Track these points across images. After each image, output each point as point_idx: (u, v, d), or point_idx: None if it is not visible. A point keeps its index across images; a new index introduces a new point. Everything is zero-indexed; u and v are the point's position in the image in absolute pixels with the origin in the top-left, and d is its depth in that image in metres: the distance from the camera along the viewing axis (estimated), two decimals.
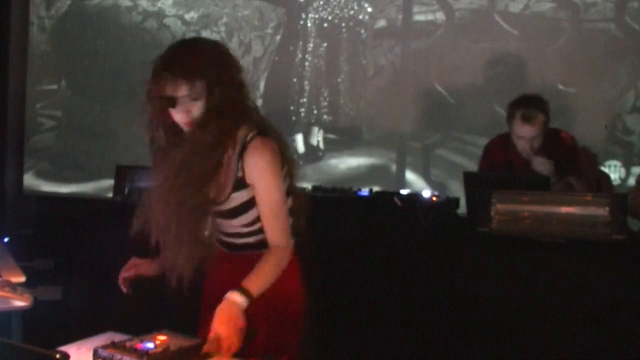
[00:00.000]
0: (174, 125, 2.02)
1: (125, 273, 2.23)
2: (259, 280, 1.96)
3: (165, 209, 1.94)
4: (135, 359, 1.65)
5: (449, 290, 2.85)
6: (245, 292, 1.91)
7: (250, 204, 2.02)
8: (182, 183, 1.92)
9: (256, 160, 1.96)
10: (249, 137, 1.98)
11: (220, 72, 1.96)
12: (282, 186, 2.01)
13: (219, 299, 1.94)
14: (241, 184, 1.99)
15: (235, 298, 1.89)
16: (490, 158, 3.68)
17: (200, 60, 1.98)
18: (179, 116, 1.98)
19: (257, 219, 2.05)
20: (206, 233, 2.04)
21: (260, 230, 2.05)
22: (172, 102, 1.96)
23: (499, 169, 3.60)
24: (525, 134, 3.43)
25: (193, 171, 1.91)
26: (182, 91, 1.94)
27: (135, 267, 2.23)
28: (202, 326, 2.09)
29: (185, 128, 1.99)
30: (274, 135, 2.03)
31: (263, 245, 2.05)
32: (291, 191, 2.10)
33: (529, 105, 3.42)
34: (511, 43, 4.78)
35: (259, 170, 1.96)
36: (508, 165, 3.56)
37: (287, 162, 2.06)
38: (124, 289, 2.23)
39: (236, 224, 2.07)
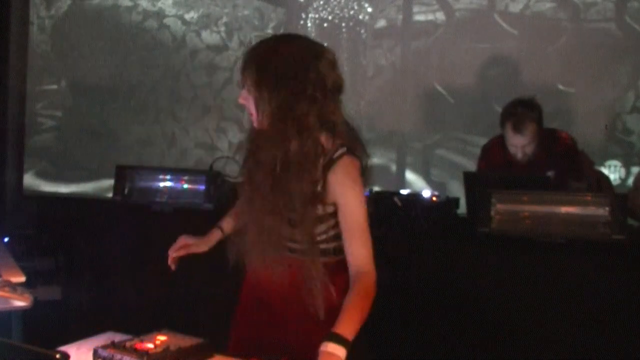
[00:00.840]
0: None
1: (175, 252, 2.22)
2: (352, 320, 1.79)
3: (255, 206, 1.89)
4: (135, 359, 1.65)
5: (449, 290, 2.85)
6: (340, 340, 1.71)
7: (322, 219, 1.90)
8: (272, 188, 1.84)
9: (344, 179, 1.85)
10: (337, 153, 1.87)
11: (291, 79, 1.82)
12: (364, 203, 1.87)
13: (260, 298, 1.98)
14: (319, 198, 1.86)
15: (332, 350, 1.70)
16: (488, 159, 3.68)
17: (250, 59, 1.86)
18: (242, 101, 1.91)
19: (322, 234, 1.92)
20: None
21: (320, 242, 1.91)
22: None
23: (496, 169, 3.59)
24: (516, 143, 3.43)
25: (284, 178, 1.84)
26: (247, 93, 1.88)
27: (185, 247, 2.23)
28: (233, 326, 2.12)
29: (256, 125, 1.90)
30: (361, 153, 1.94)
31: (317, 253, 1.91)
32: None
33: (519, 114, 3.40)
34: (511, 43, 4.78)
35: (347, 189, 1.85)
36: (507, 165, 3.56)
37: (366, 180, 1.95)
38: (173, 267, 2.23)
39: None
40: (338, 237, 1.92)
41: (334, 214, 1.89)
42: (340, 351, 1.70)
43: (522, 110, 3.41)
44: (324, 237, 1.92)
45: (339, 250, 1.93)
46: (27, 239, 3.69)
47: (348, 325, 1.75)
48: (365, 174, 1.93)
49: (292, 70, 1.82)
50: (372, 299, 1.85)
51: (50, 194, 5.79)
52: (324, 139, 1.89)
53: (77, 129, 5.93)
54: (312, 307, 1.88)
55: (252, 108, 1.87)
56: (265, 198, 1.86)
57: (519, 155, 3.46)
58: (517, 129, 3.39)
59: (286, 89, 1.81)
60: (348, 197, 1.85)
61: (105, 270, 3.53)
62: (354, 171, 1.87)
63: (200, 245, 2.23)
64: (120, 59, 5.95)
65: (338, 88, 1.95)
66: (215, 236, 2.25)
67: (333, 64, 1.92)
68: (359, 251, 1.88)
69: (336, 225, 1.90)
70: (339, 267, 1.93)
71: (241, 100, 1.89)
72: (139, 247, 3.34)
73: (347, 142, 1.92)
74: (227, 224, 2.25)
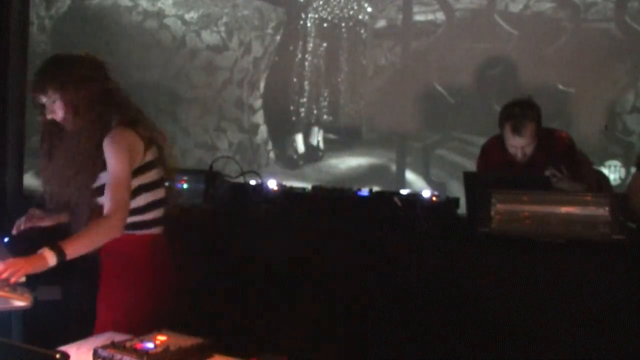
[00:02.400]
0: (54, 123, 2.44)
1: (24, 225, 2.58)
2: (78, 243, 2.24)
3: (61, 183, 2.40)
4: (135, 359, 1.65)
5: (449, 290, 2.85)
6: (57, 249, 2.16)
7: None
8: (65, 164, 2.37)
9: (107, 145, 2.34)
10: (113, 127, 2.39)
11: (68, 79, 2.37)
12: (125, 165, 2.32)
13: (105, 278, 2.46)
14: (104, 166, 2.35)
15: (46, 255, 2.15)
16: (488, 159, 3.68)
17: (48, 74, 2.40)
18: (51, 116, 2.41)
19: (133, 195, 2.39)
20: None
21: (131, 213, 2.36)
22: (43, 107, 2.41)
23: (495, 169, 3.59)
24: (515, 144, 3.44)
25: (71, 155, 2.37)
26: (42, 99, 2.40)
27: (32, 219, 2.58)
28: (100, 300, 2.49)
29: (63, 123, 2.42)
30: (138, 126, 2.42)
31: (133, 227, 2.41)
32: (157, 165, 2.47)
33: (518, 115, 3.40)
34: (511, 43, 4.78)
35: (107, 153, 2.33)
36: (506, 165, 3.56)
37: (152, 144, 2.45)
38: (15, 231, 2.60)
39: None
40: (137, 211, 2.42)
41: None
42: (49, 256, 2.15)
43: (521, 111, 3.41)
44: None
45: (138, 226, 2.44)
46: (27, 239, 3.68)
47: (72, 242, 2.22)
48: (149, 140, 2.44)
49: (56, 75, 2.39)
50: (107, 237, 2.30)
51: None
52: (108, 121, 2.41)
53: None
54: None
55: (55, 115, 2.40)
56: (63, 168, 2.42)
57: (519, 155, 3.47)
58: (516, 130, 3.39)
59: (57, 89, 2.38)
60: (108, 157, 2.33)
61: None
62: (117, 137, 2.35)
63: (45, 220, 2.59)
64: (120, 59, 5.95)
65: (99, 80, 2.47)
66: (62, 217, 2.60)
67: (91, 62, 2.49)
68: (108, 198, 2.30)
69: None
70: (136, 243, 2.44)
71: (56, 117, 2.40)
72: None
73: (128, 118, 2.43)
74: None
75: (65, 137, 2.43)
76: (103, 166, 2.36)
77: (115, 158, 2.33)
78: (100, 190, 2.37)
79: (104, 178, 2.36)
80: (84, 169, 2.37)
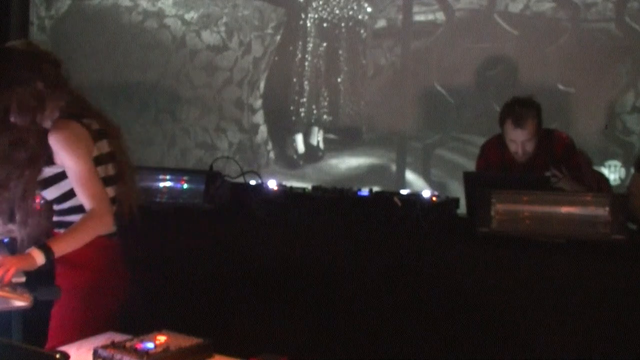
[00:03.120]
0: None
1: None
2: (66, 240, 2.21)
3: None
4: (135, 359, 1.65)
5: (448, 290, 2.85)
6: (47, 250, 2.16)
7: (59, 177, 2.29)
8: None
9: (56, 142, 2.24)
10: (54, 121, 2.29)
11: (15, 72, 2.26)
12: (85, 156, 2.24)
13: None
14: (50, 160, 2.28)
15: (34, 254, 2.14)
16: (486, 158, 3.68)
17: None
18: None
19: (64, 198, 2.31)
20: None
21: (69, 212, 2.30)
22: None
23: (495, 169, 3.60)
24: (516, 137, 3.44)
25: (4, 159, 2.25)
26: None
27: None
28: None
29: None
30: (86, 115, 2.34)
31: (67, 226, 2.29)
32: (109, 159, 2.36)
33: (519, 109, 3.42)
34: (511, 43, 4.79)
35: (60, 149, 2.24)
36: (504, 165, 3.56)
37: (102, 137, 2.34)
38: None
39: (50, 197, 2.33)
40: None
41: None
42: (37, 255, 2.14)
43: (522, 106, 3.44)
44: (68, 204, 2.34)
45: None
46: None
47: (59, 240, 2.21)
48: (97, 132, 2.33)
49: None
50: (96, 233, 2.24)
51: None
52: (48, 113, 2.31)
53: None
54: None
55: None
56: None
57: (519, 152, 3.46)
58: (517, 124, 3.40)
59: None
60: (64, 153, 2.25)
61: None
62: (65, 130, 2.26)
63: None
64: (120, 59, 5.95)
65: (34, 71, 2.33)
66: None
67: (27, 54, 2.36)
68: (82, 195, 2.25)
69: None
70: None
71: None
72: (139, 247, 3.34)
73: (71, 110, 2.33)
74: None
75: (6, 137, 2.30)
76: (45, 162, 2.27)
77: (71, 153, 2.24)
78: (45, 184, 2.29)
79: (48, 172, 2.29)
80: (20, 174, 2.26)
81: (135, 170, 2.54)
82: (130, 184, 2.46)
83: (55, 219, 2.35)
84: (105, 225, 2.26)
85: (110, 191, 2.35)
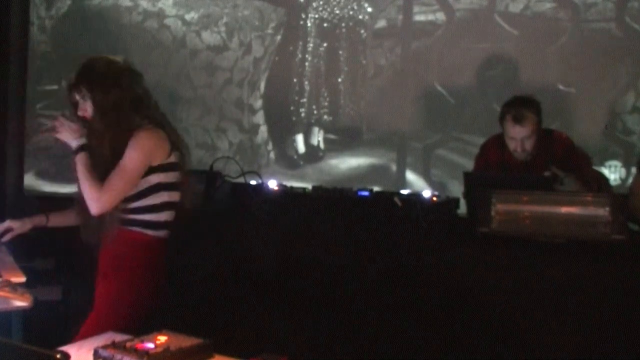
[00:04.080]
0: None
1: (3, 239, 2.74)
2: (83, 171, 2.49)
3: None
4: (136, 359, 1.65)
5: (448, 290, 2.85)
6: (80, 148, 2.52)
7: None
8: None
9: (131, 140, 2.46)
10: (143, 126, 2.51)
11: (100, 79, 2.51)
12: (139, 157, 2.45)
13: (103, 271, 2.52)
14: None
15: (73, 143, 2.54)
16: (486, 157, 3.69)
17: (83, 73, 2.55)
18: (82, 113, 2.56)
19: (138, 196, 2.50)
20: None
21: (142, 211, 2.50)
22: (76, 105, 2.57)
23: (494, 169, 3.60)
24: (516, 134, 3.44)
25: (94, 154, 2.50)
26: (75, 97, 2.56)
27: (11, 231, 2.76)
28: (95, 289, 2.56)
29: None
30: (163, 128, 2.55)
31: (145, 225, 2.51)
32: (178, 168, 2.57)
33: (519, 106, 3.43)
34: (511, 43, 4.78)
35: (128, 146, 2.46)
36: (503, 165, 3.57)
37: (176, 147, 2.57)
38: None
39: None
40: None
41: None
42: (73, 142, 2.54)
43: (522, 103, 3.44)
44: (138, 203, 2.53)
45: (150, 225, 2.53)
46: (27, 239, 3.68)
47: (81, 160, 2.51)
48: (172, 144, 2.55)
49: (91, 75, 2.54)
50: (90, 189, 2.46)
51: (50, 194, 5.79)
52: (134, 123, 2.53)
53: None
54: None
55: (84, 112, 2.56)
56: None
57: (519, 149, 3.46)
58: (517, 120, 3.40)
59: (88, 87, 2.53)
60: (127, 151, 2.46)
61: None
62: (140, 137, 2.47)
63: (24, 225, 2.77)
64: None
65: (128, 85, 2.57)
66: (39, 219, 2.79)
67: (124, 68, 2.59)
68: (107, 181, 2.45)
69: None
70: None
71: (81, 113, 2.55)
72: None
73: (152, 122, 2.54)
74: (54, 216, 2.82)
75: (88, 137, 2.54)
76: None
77: (132, 148, 2.45)
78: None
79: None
80: (101, 170, 2.46)
81: (190, 178, 2.74)
82: (189, 192, 2.70)
83: (130, 216, 2.52)
84: (90, 200, 2.45)
85: (176, 195, 2.59)
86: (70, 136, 2.53)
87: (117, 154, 2.46)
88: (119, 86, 2.51)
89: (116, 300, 2.48)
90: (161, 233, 2.56)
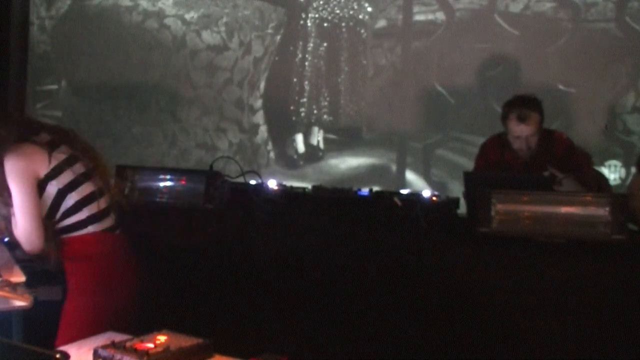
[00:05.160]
0: None
1: None
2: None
3: None
4: (135, 359, 1.65)
5: (448, 290, 2.85)
6: None
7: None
8: None
9: (6, 170, 2.34)
10: (8, 147, 2.36)
11: None
12: (26, 188, 2.34)
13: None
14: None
15: None
16: (486, 157, 3.69)
17: None
18: None
19: (51, 211, 2.41)
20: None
21: (61, 218, 2.41)
22: None
23: (493, 168, 3.60)
24: (520, 133, 3.44)
25: None
26: None
27: None
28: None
29: None
30: (35, 131, 2.42)
31: (69, 230, 2.42)
32: (74, 160, 2.43)
33: (523, 105, 3.44)
34: (511, 43, 4.78)
35: (8, 178, 2.35)
36: (503, 165, 3.57)
37: (57, 144, 2.41)
38: None
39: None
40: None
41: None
42: None
43: (525, 102, 3.45)
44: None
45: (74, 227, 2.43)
46: None
47: None
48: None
49: None
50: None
51: None
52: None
53: (77, 129, 5.92)
54: None
55: None
56: None
57: (524, 147, 3.46)
58: (522, 119, 3.41)
59: None
60: (10, 181, 2.36)
61: None
62: (13, 158, 2.34)
63: None
64: (120, 59, 5.95)
65: None
66: None
67: None
68: (17, 225, 2.38)
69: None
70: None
71: None
72: (139, 247, 3.34)
73: (22, 132, 2.40)
74: None
75: None
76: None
77: (13, 183, 2.35)
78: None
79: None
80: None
81: (102, 159, 2.59)
82: (106, 179, 2.55)
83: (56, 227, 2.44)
84: (24, 248, 2.40)
85: (86, 188, 2.44)
86: None
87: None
88: None
89: (76, 304, 2.41)
90: (94, 227, 2.45)
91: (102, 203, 2.47)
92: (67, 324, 2.39)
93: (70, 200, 2.41)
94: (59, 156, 2.41)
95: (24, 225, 2.37)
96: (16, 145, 2.36)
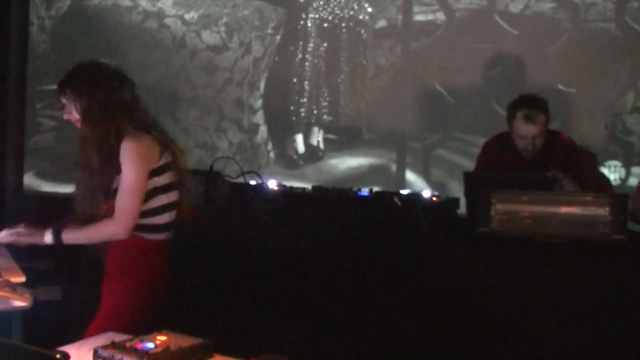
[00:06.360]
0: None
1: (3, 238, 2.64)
2: (77, 234, 2.50)
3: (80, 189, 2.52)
4: (136, 359, 1.65)
5: (448, 290, 2.85)
6: (57, 234, 2.50)
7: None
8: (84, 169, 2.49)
9: (124, 150, 2.43)
10: (127, 132, 2.48)
11: (87, 84, 2.49)
12: (139, 172, 2.43)
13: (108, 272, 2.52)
14: (119, 169, 2.45)
15: (46, 234, 2.51)
16: (486, 156, 3.69)
17: (70, 77, 2.54)
18: (67, 117, 2.57)
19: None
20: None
21: (142, 215, 2.47)
22: (63, 106, 2.57)
23: (493, 168, 3.60)
24: (527, 133, 3.44)
25: (86, 160, 2.47)
26: (62, 100, 2.56)
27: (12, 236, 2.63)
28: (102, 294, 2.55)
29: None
30: (153, 131, 2.52)
31: (145, 229, 2.50)
32: (172, 168, 2.55)
33: (530, 105, 3.44)
34: (511, 43, 4.78)
35: (123, 158, 2.43)
36: (503, 165, 3.56)
37: (167, 148, 2.54)
38: None
39: None
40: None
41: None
42: (47, 234, 2.52)
43: (532, 102, 3.45)
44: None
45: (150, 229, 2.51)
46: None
47: (71, 232, 2.51)
48: (164, 145, 2.52)
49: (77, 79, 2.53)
50: (103, 237, 2.49)
51: (50, 194, 5.79)
52: (122, 126, 2.51)
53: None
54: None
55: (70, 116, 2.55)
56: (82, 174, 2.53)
57: (529, 147, 3.46)
58: (529, 119, 3.41)
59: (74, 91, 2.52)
60: (123, 161, 2.43)
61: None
62: (132, 142, 2.44)
63: (24, 239, 2.62)
64: (120, 59, 5.94)
65: (116, 87, 2.57)
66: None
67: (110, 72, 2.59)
68: (117, 203, 2.44)
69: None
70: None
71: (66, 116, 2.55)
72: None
73: (141, 124, 2.52)
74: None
75: (79, 142, 2.53)
76: (116, 171, 2.45)
77: (129, 164, 2.42)
78: (115, 193, 2.46)
79: (118, 181, 2.46)
80: (94, 174, 2.46)
81: (189, 175, 2.73)
82: (187, 191, 2.67)
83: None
84: (118, 233, 2.45)
85: (174, 195, 2.57)
86: (35, 238, 2.53)
87: (104, 160, 2.45)
88: (105, 91, 2.49)
89: (122, 303, 2.48)
90: (162, 235, 2.56)
91: (174, 214, 2.59)
92: (104, 320, 2.45)
93: (157, 202, 2.51)
94: (167, 157, 2.53)
95: (129, 204, 2.42)
96: (137, 134, 2.47)
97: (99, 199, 2.48)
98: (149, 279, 2.51)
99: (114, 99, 2.50)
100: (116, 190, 2.46)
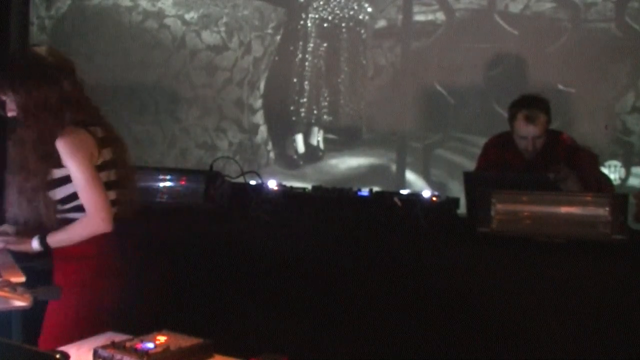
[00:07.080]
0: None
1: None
2: (60, 236, 2.39)
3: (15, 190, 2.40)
4: (135, 359, 1.65)
5: (448, 290, 2.85)
6: (42, 239, 2.38)
7: (64, 180, 2.38)
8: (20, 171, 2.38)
9: (62, 147, 2.33)
10: (65, 128, 2.37)
11: (21, 80, 2.34)
12: (83, 163, 2.34)
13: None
14: (58, 163, 2.36)
15: (32, 240, 2.39)
16: (486, 156, 3.68)
17: (5, 72, 2.40)
18: (10, 113, 2.41)
19: (69, 198, 2.39)
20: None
21: (74, 210, 2.39)
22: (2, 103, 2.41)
23: (493, 168, 3.60)
24: (528, 133, 3.43)
25: (21, 162, 2.37)
26: (2, 97, 2.38)
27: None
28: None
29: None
30: (94, 123, 2.45)
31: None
32: (112, 166, 2.46)
33: (531, 105, 3.43)
34: (511, 43, 4.79)
35: (64, 156, 2.34)
36: (503, 165, 3.56)
37: (106, 144, 2.44)
38: None
39: (56, 197, 2.39)
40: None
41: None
42: (34, 241, 2.39)
43: (533, 102, 3.44)
44: (72, 204, 2.43)
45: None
46: None
47: (56, 234, 2.39)
48: (102, 140, 2.43)
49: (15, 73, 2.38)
50: (90, 234, 2.39)
51: None
52: (63, 121, 2.39)
53: None
54: None
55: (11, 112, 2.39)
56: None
57: (530, 148, 3.46)
58: (530, 119, 3.40)
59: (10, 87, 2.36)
60: (67, 160, 2.35)
61: None
62: (69, 139, 2.34)
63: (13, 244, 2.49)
64: (120, 59, 5.95)
65: (57, 81, 2.42)
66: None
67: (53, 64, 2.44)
68: (84, 200, 2.37)
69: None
70: None
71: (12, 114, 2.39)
72: (139, 247, 3.35)
73: (82, 118, 2.43)
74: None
75: (14, 138, 2.40)
76: (55, 165, 2.36)
77: (72, 160, 2.34)
78: (53, 184, 2.37)
79: (57, 173, 2.37)
80: (30, 177, 2.35)
81: (135, 173, 2.64)
82: (131, 188, 2.58)
83: (58, 216, 2.42)
84: (98, 228, 2.38)
85: (112, 194, 2.46)
86: (25, 247, 2.41)
87: (40, 160, 2.34)
88: (44, 84, 2.35)
89: (71, 307, 2.38)
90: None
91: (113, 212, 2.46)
92: (54, 324, 2.38)
93: None
94: (107, 154, 2.45)
95: (94, 198, 2.35)
96: (73, 129, 2.37)
97: (37, 202, 2.37)
98: (95, 270, 2.42)
99: (53, 93, 2.37)
100: (52, 182, 2.36)
